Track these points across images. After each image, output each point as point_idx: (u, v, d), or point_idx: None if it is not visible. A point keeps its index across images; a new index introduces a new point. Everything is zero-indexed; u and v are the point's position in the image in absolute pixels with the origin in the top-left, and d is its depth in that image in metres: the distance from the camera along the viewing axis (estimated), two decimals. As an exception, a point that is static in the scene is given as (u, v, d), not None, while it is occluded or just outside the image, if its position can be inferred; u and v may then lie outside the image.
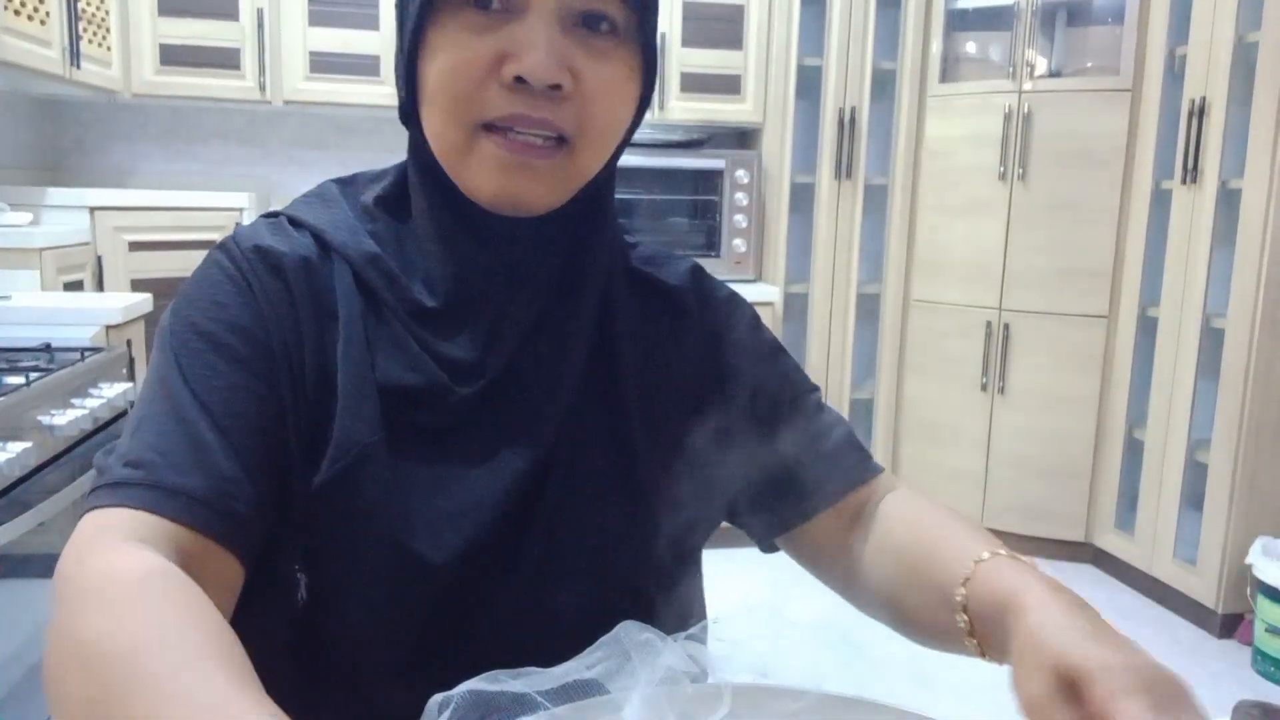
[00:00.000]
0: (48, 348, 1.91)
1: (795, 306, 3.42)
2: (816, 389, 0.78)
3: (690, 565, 0.72)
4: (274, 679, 0.46)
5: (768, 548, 0.78)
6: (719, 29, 3.25)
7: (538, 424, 0.64)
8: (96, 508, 0.53)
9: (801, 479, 0.73)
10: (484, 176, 0.60)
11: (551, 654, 0.54)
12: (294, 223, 0.66)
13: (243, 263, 0.62)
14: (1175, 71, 2.83)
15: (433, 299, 0.63)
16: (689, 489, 0.67)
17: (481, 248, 0.63)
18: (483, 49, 0.57)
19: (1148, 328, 2.95)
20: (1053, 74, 3.16)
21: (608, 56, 0.60)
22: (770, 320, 3.16)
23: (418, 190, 0.66)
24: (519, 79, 0.57)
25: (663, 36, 3.20)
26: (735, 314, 0.76)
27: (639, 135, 3.19)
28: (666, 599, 0.66)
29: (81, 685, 0.43)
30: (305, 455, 0.60)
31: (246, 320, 0.60)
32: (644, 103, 0.65)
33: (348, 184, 0.70)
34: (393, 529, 0.59)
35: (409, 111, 0.63)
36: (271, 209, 0.69)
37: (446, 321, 0.63)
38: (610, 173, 0.67)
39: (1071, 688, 0.46)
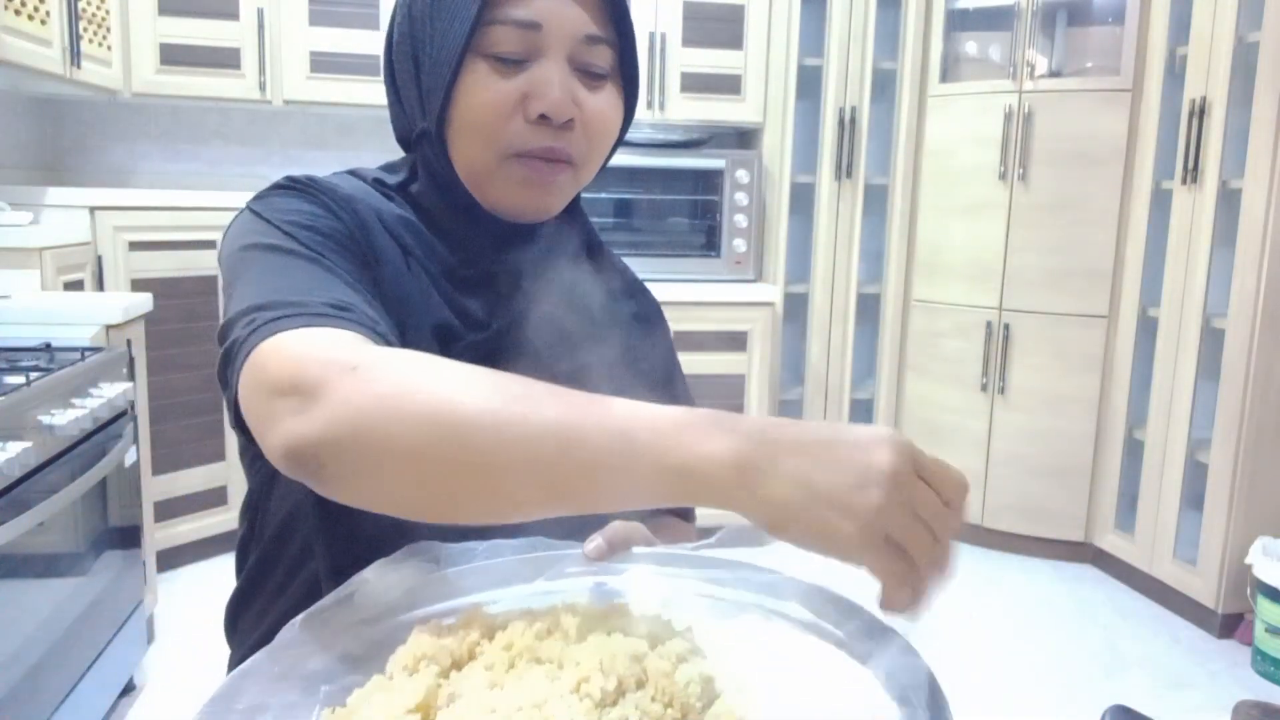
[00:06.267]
0: (48, 348, 1.91)
1: (795, 306, 3.42)
2: None
3: None
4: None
5: None
6: (719, 29, 3.25)
7: (535, 370, 0.74)
8: (279, 332, 0.56)
9: None
10: (508, 193, 0.73)
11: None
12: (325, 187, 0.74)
13: (310, 189, 0.70)
14: (1175, 71, 2.83)
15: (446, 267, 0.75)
16: None
17: (487, 247, 0.77)
18: (509, 91, 0.70)
19: (1148, 328, 2.95)
20: (1053, 74, 3.16)
21: (601, 90, 0.74)
22: (770, 320, 3.16)
23: (431, 197, 0.77)
24: (542, 116, 0.69)
25: (663, 36, 3.20)
26: (663, 324, 0.92)
27: (640, 135, 3.17)
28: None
29: (410, 434, 0.48)
30: None
31: (333, 221, 0.68)
32: (626, 123, 0.79)
33: (355, 173, 0.80)
34: None
35: (429, 135, 0.73)
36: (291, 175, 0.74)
37: (460, 286, 0.76)
38: None
39: None
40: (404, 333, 0.68)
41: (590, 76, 0.72)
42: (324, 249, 0.66)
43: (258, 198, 0.71)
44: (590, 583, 0.62)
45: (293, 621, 0.54)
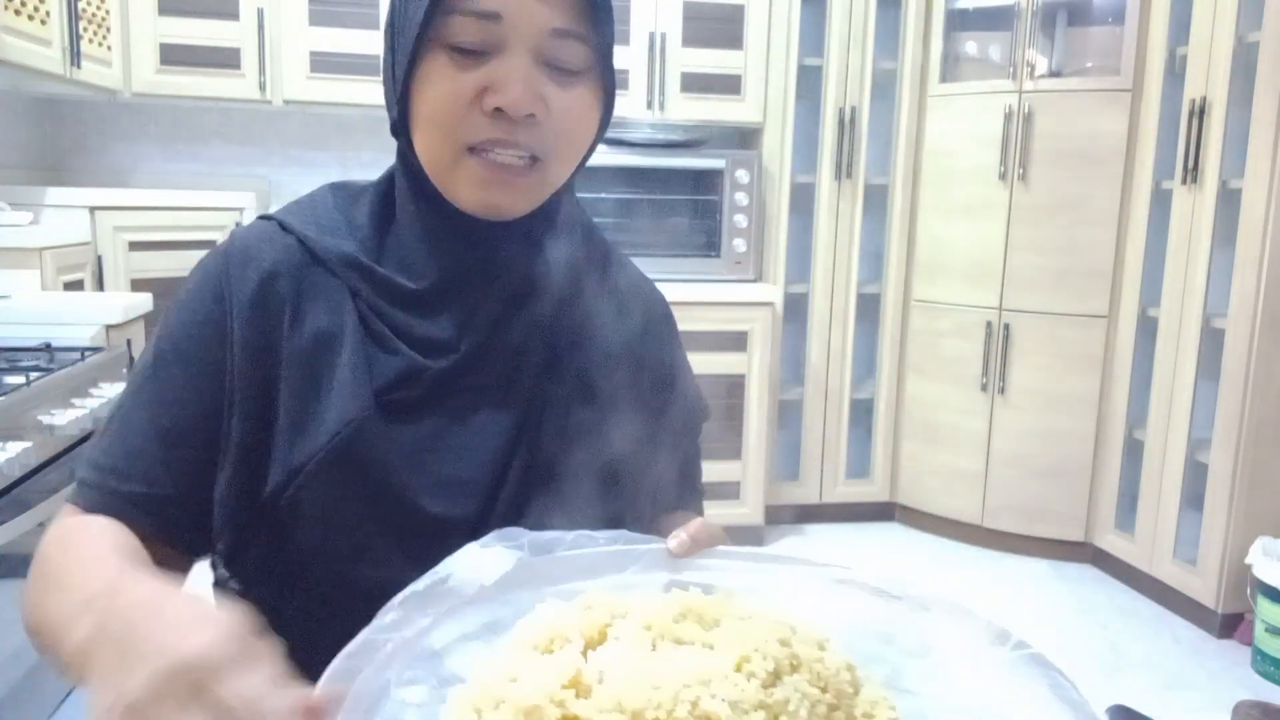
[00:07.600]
0: (48, 348, 1.91)
1: (795, 306, 3.42)
2: (708, 415, 0.92)
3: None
4: (302, 638, 0.56)
5: None
6: (719, 29, 3.25)
7: (511, 389, 0.75)
8: (72, 501, 0.72)
9: (667, 486, 0.84)
10: (468, 190, 0.71)
11: None
12: (285, 227, 0.75)
13: (232, 275, 0.72)
14: (1176, 71, 2.83)
15: (415, 284, 0.74)
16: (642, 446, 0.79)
17: (460, 245, 0.74)
18: (467, 82, 0.68)
19: (1148, 328, 2.95)
20: (1053, 74, 3.16)
21: (573, 87, 0.70)
22: (770, 320, 3.16)
23: (405, 193, 0.75)
24: (498, 109, 0.67)
25: (662, 36, 3.20)
26: (669, 324, 0.90)
27: (639, 135, 3.15)
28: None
29: (31, 596, 0.65)
30: (291, 436, 0.70)
31: (214, 329, 0.72)
32: (604, 123, 0.76)
33: (341, 187, 0.81)
34: (400, 488, 0.70)
35: (399, 127, 0.73)
36: (267, 211, 0.78)
37: (427, 305, 0.74)
38: (570, 182, 0.78)
39: None
40: (337, 400, 0.71)
41: (560, 72, 0.69)
42: (178, 377, 0.71)
43: (193, 271, 0.76)
44: (672, 577, 0.63)
45: (391, 602, 0.55)
